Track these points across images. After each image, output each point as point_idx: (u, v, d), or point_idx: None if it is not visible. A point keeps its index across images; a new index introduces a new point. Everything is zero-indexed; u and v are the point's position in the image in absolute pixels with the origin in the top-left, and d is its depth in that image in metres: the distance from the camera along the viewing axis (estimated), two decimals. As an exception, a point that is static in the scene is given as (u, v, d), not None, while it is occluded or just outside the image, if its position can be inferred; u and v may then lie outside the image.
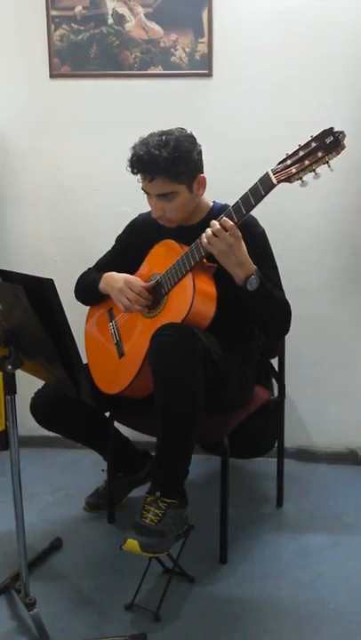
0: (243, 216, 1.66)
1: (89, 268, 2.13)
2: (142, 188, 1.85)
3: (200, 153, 1.85)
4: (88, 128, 2.54)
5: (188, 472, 1.76)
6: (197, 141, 1.84)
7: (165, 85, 2.47)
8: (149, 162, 1.76)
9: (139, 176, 1.83)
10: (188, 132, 1.85)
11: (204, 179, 1.86)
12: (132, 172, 1.82)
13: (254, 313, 1.84)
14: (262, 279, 1.73)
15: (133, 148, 1.82)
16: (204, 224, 1.83)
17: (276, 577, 1.85)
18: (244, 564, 1.91)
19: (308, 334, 2.46)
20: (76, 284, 2.11)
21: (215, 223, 1.67)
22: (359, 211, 2.46)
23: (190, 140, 1.82)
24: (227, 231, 1.65)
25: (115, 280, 1.92)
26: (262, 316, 1.85)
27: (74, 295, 2.10)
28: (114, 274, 1.96)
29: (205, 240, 1.67)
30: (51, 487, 2.40)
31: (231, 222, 1.65)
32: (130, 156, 1.81)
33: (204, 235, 1.68)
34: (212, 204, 1.95)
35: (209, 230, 1.67)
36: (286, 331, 1.90)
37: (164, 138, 1.78)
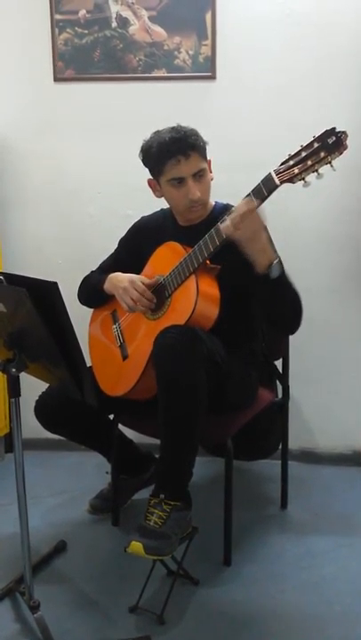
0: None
1: (92, 271, 2.14)
2: (172, 179, 1.82)
3: None
4: (92, 131, 2.55)
5: (192, 474, 1.76)
6: None
7: (169, 88, 2.48)
8: (183, 138, 1.80)
9: (169, 165, 1.80)
10: None
11: (210, 162, 1.89)
12: (168, 156, 1.80)
13: (270, 304, 1.78)
14: (283, 266, 1.70)
15: (151, 140, 1.85)
16: (207, 223, 1.84)
17: (281, 579, 1.85)
18: (249, 566, 1.91)
19: (311, 335, 2.45)
20: (80, 286, 2.11)
21: (241, 207, 1.62)
22: (362, 212, 2.46)
23: None
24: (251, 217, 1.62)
25: (119, 280, 1.92)
26: (279, 308, 1.78)
27: (77, 298, 2.11)
28: (119, 274, 1.96)
29: (232, 227, 1.63)
30: (55, 490, 2.40)
31: (254, 204, 1.61)
32: (154, 146, 1.83)
33: (228, 220, 1.63)
34: (213, 203, 1.95)
35: (234, 215, 1.62)
36: (298, 325, 1.83)
37: (171, 127, 1.84)
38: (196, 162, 1.82)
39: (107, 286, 1.98)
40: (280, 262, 1.69)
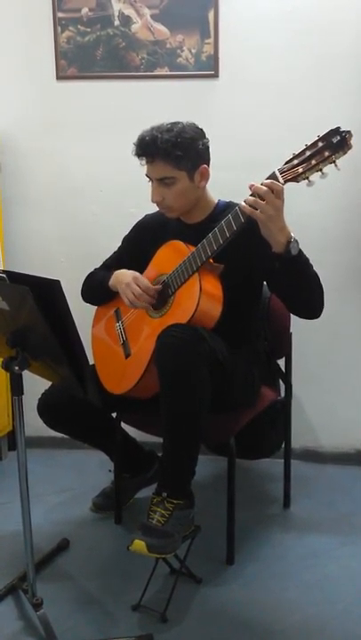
0: (248, 217, 1.66)
1: (95, 269, 2.14)
2: (146, 174, 1.86)
3: (206, 145, 1.86)
4: (94, 129, 2.55)
5: (195, 473, 1.76)
6: (206, 135, 1.86)
7: (171, 86, 2.47)
8: (149, 143, 1.79)
9: (143, 160, 1.84)
10: (199, 125, 1.86)
11: (206, 170, 1.86)
12: (136, 155, 1.84)
13: (293, 286, 1.72)
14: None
15: (141, 132, 1.84)
16: (209, 221, 1.84)
17: (283, 578, 1.85)
18: (251, 565, 1.91)
19: (314, 334, 2.45)
20: (84, 283, 2.12)
21: (260, 187, 1.58)
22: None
23: (196, 130, 1.85)
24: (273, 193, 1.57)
25: (124, 275, 1.93)
26: (301, 289, 1.72)
27: (80, 295, 2.11)
28: (125, 270, 1.97)
29: (249, 207, 1.59)
30: (57, 488, 2.40)
31: (281, 185, 1.57)
32: (136, 139, 1.84)
33: (245, 201, 1.60)
34: (216, 201, 1.95)
35: (251, 198, 1.58)
36: (322, 307, 1.77)
37: (170, 125, 1.82)
38: (160, 168, 1.81)
39: (112, 282, 1.98)
40: (296, 240, 1.65)
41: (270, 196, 1.57)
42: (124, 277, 1.93)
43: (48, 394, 1.99)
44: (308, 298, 1.76)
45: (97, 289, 2.06)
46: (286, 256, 1.63)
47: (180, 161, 1.79)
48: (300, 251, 1.66)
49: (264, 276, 1.87)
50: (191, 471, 1.75)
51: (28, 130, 2.58)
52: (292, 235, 1.64)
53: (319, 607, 1.72)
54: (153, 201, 1.88)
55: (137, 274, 1.91)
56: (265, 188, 1.58)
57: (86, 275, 2.13)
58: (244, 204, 1.61)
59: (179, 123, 1.83)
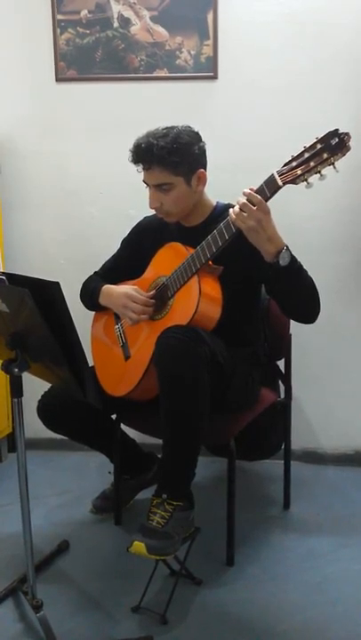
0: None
1: (95, 272, 2.14)
2: (143, 180, 1.86)
3: (202, 149, 1.85)
4: (94, 131, 2.55)
5: (195, 474, 1.76)
6: (202, 138, 1.86)
7: (171, 88, 2.48)
8: (146, 150, 1.79)
9: (140, 167, 1.84)
10: (194, 129, 1.86)
11: (203, 174, 1.86)
12: (132, 161, 1.84)
13: (285, 294, 1.75)
14: (293, 254, 1.66)
15: (136, 138, 1.84)
16: (208, 224, 1.84)
17: (284, 579, 1.85)
18: (251, 567, 1.91)
19: (314, 336, 2.45)
20: (81, 291, 2.11)
21: (241, 199, 1.61)
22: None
23: (192, 134, 1.84)
24: (254, 206, 1.59)
25: (115, 296, 1.93)
26: (293, 297, 1.75)
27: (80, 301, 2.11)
28: (112, 288, 1.97)
29: (233, 216, 1.63)
30: (57, 489, 2.40)
31: (259, 197, 1.59)
32: (132, 146, 1.84)
33: (232, 211, 1.64)
34: (215, 203, 1.95)
35: (237, 207, 1.62)
36: (317, 313, 1.78)
37: (165, 130, 1.81)
38: (157, 175, 1.81)
39: (102, 301, 2.00)
40: (289, 250, 1.65)
41: (248, 207, 1.59)
42: (116, 298, 1.92)
43: (48, 396, 1.99)
44: (302, 305, 1.77)
45: (91, 301, 2.06)
46: (275, 266, 1.64)
47: (176, 167, 1.79)
48: (291, 260, 1.65)
49: (262, 280, 1.88)
50: (191, 473, 1.75)
51: (27, 132, 2.58)
52: (286, 245, 1.64)
53: (319, 608, 1.72)
54: (151, 207, 1.88)
55: (129, 291, 1.91)
56: (243, 199, 1.59)
57: (85, 278, 2.13)
58: (232, 215, 1.63)
59: (174, 127, 1.82)
